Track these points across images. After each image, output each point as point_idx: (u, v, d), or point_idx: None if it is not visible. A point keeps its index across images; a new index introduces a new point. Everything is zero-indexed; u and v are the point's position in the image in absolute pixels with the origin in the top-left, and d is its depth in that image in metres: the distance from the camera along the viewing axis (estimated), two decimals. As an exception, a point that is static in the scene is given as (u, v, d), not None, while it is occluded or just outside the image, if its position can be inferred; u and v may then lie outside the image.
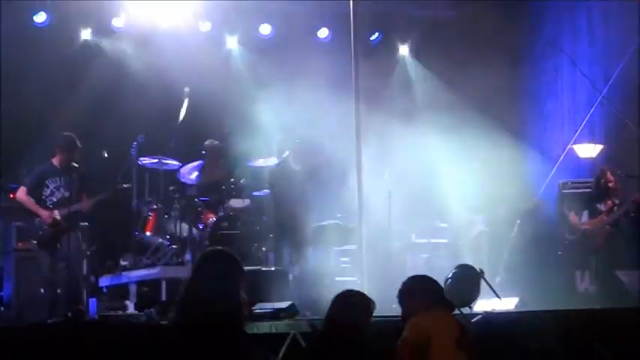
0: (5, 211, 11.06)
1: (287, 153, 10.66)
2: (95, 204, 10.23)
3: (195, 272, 5.63)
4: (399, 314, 6.07)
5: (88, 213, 10.33)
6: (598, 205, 11.10)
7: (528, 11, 13.58)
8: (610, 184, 11.02)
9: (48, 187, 10.18)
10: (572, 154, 12.35)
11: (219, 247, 5.92)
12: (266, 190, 11.08)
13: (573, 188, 11.66)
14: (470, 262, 8.17)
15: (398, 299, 6.11)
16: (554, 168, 11.89)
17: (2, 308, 10.46)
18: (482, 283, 7.80)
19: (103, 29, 12.89)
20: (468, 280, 7.48)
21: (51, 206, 10.10)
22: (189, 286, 5.61)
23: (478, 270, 7.84)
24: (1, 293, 10.92)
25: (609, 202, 11.01)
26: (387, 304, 8.80)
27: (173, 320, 5.73)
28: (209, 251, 5.92)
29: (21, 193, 10.22)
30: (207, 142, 11.68)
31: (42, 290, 10.01)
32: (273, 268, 10.34)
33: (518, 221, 11.19)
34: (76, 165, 10.18)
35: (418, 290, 6.00)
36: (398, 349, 5.64)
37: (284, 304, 8.49)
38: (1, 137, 11.59)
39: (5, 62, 11.88)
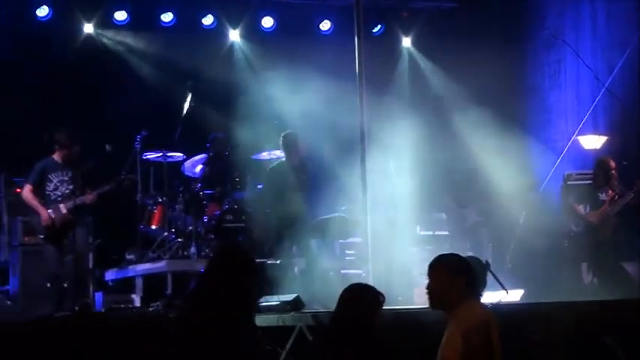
0: (11, 205, 11.09)
1: (298, 148, 10.69)
2: (99, 196, 10.22)
3: (209, 266, 5.64)
4: (406, 307, 5.94)
5: (93, 205, 10.31)
6: (600, 195, 11.11)
7: (531, 2, 13.57)
8: (612, 172, 11.03)
9: (51, 181, 10.17)
10: (576, 145, 12.35)
11: (235, 244, 5.96)
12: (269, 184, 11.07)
13: (578, 179, 11.65)
14: (473, 254, 8.18)
15: (447, 274, 5.39)
16: (559, 159, 11.88)
17: (9, 302, 10.48)
18: (488, 275, 7.82)
19: (106, 23, 12.89)
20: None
21: (59, 199, 10.09)
22: (203, 279, 5.63)
23: (484, 262, 7.86)
24: (8, 287, 10.95)
25: (611, 192, 11.02)
26: (392, 297, 8.85)
27: (182, 312, 5.72)
28: (225, 247, 5.96)
29: (26, 192, 10.17)
30: (211, 136, 11.69)
31: (48, 284, 10.01)
32: (278, 261, 10.36)
33: (523, 212, 11.19)
34: (77, 159, 10.17)
35: (471, 272, 5.45)
36: (466, 340, 5.22)
37: (289, 297, 8.50)
38: (4, 131, 11.61)
39: (7, 56, 11.89)
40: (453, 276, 5.42)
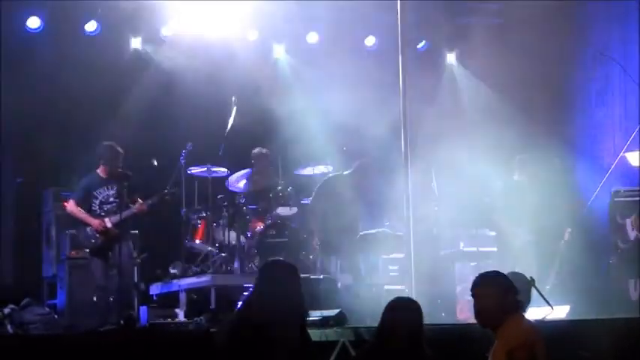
0: (59, 219, 11.22)
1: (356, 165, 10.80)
2: (149, 207, 10.28)
3: (261, 278, 5.71)
4: (449, 322, 5.94)
5: (141, 216, 10.36)
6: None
7: (577, 18, 13.45)
8: None
9: (97, 197, 10.25)
10: (624, 162, 12.20)
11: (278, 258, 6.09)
12: (314, 199, 11.10)
13: (626, 196, 11.52)
14: (519, 271, 8.10)
15: (494, 292, 5.44)
16: (606, 176, 11.75)
17: (56, 316, 10.57)
18: (533, 291, 7.75)
19: (153, 38, 13.01)
20: (519, 288, 7.41)
21: (102, 214, 10.18)
22: (251, 294, 5.69)
23: (529, 278, 7.79)
24: (55, 301, 11.08)
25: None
26: (436, 313, 8.81)
27: (233, 326, 5.73)
28: (271, 260, 6.07)
29: (71, 206, 10.30)
30: (255, 151, 11.74)
31: (94, 298, 10.11)
32: (321, 276, 10.37)
33: (569, 229, 11.08)
34: (122, 172, 10.24)
35: (515, 288, 5.52)
36: (509, 356, 5.27)
37: (333, 312, 8.50)
38: (52, 145, 11.75)
39: (56, 70, 12.05)
40: (500, 294, 5.47)
